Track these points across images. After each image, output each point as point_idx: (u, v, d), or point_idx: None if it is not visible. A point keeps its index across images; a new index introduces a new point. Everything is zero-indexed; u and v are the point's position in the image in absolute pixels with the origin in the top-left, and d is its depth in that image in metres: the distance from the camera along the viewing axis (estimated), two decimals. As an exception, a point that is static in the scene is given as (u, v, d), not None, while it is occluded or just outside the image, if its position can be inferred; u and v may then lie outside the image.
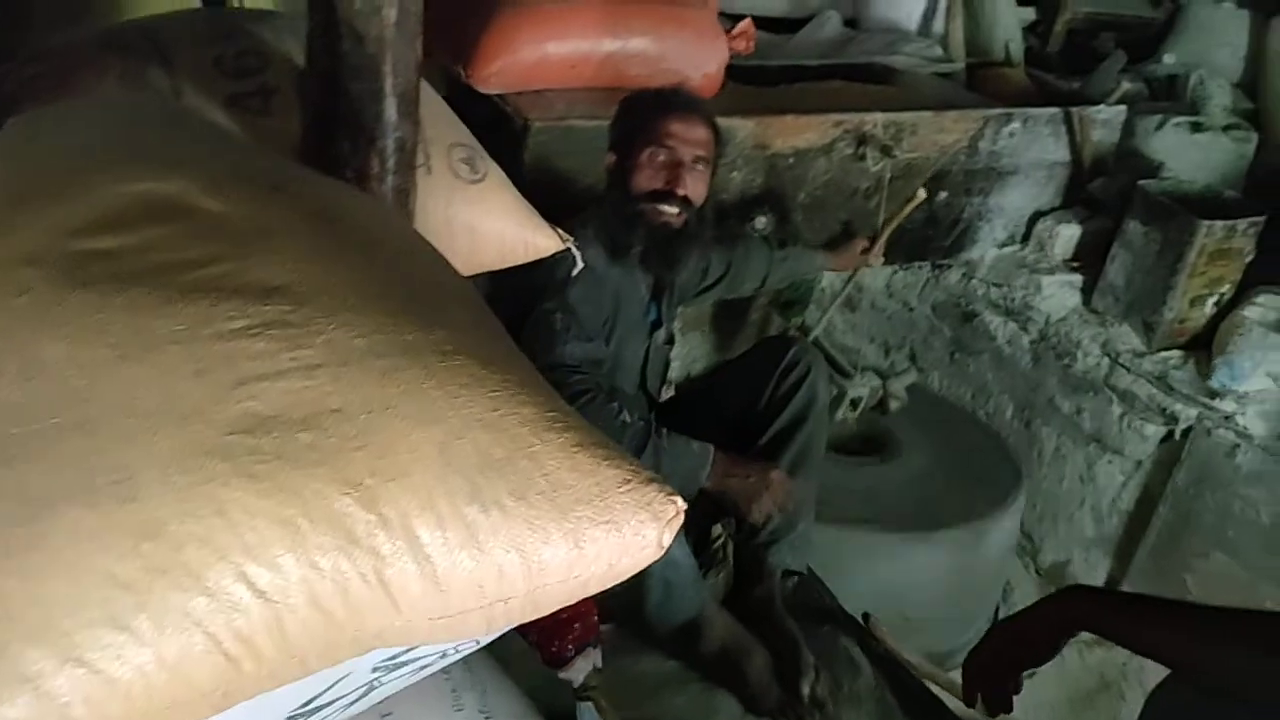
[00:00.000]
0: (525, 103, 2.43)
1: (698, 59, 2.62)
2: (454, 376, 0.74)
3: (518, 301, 1.89)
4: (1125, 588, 2.90)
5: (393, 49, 1.31)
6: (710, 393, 2.30)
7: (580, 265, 1.69)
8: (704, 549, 2.19)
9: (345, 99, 1.31)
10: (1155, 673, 2.84)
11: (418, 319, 0.77)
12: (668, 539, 0.74)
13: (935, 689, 2.15)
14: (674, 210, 2.03)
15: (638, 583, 1.92)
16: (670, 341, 2.29)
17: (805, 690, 1.94)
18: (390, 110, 1.33)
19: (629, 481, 0.74)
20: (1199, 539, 2.74)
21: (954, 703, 2.32)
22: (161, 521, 0.65)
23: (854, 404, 2.96)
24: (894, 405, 3.02)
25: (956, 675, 2.69)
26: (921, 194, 2.74)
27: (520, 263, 1.60)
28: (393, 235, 0.91)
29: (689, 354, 3.18)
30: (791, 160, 2.71)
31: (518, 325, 1.88)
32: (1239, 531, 2.66)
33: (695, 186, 2.04)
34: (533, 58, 2.42)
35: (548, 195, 2.34)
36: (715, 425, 2.13)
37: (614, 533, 0.72)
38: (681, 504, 0.75)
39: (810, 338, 2.84)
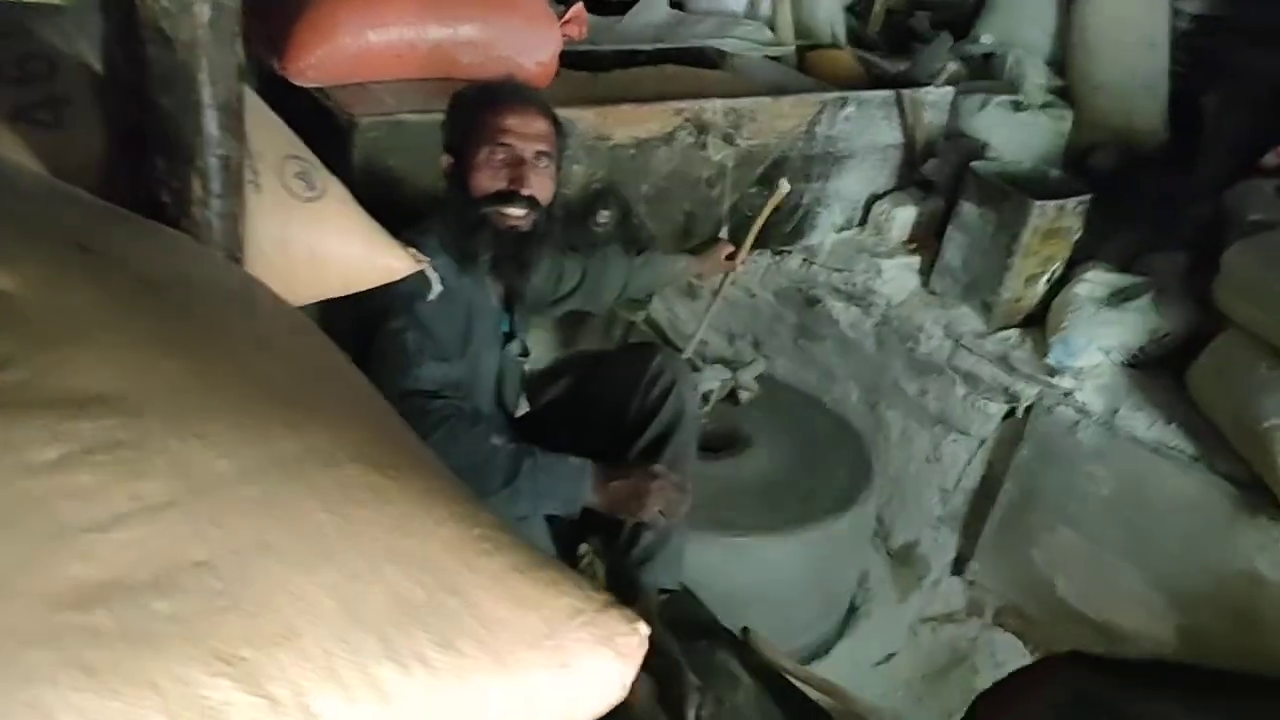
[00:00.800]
0: (349, 97, 2.22)
1: (531, 46, 2.47)
2: (347, 494, 0.58)
3: (360, 327, 1.71)
4: (974, 565, 2.93)
5: (208, 53, 1.11)
6: (572, 408, 2.16)
7: (438, 288, 1.52)
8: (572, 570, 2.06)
9: (155, 113, 1.11)
10: (1005, 646, 2.88)
11: (291, 417, 0.61)
12: (631, 676, 0.61)
13: (817, 696, 2.10)
14: (520, 211, 1.87)
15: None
16: (525, 354, 2.14)
17: (690, 715, 1.85)
18: (210, 124, 1.14)
19: (582, 612, 0.60)
20: (1044, 514, 2.78)
21: (836, 708, 2.28)
22: (-35, 747, 0.47)
23: (705, 398, 2.88)
24: (744, 397, 2.96)
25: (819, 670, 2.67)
26: (785, 185, 2.66)
27: (368, 287, 1.43)
28: (242, 300, 0.74)
29: (533, 355, 3.03)
30: (633, 151, 2.59)
31: (360, 356, 1.69)
32: (1081, 505, 2.71)
33: (541, 184, 1.90)
34: (354, 47, 2.22)
35: (381, 199, 2.16)
36: (580, 442, 2.00)
37: (568, 678, 0.58)
38: (645, 630, 0.62)
39: (687, 352, 2.72)
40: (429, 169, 2.12)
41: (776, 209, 2.73)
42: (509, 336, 2.04)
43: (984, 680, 2.76)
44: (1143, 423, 2.64)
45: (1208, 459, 2.52)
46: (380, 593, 0.56)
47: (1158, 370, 2.78)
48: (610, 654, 0.60)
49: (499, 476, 1.68)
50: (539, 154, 1.88)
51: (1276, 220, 2.77)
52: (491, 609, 0.58)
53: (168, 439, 0.56)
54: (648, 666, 1.83)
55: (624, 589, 1.99)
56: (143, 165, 1.12)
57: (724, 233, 2.72)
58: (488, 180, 1.86)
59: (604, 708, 0.61)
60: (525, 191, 1.86)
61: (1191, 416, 2.62)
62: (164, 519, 0.53)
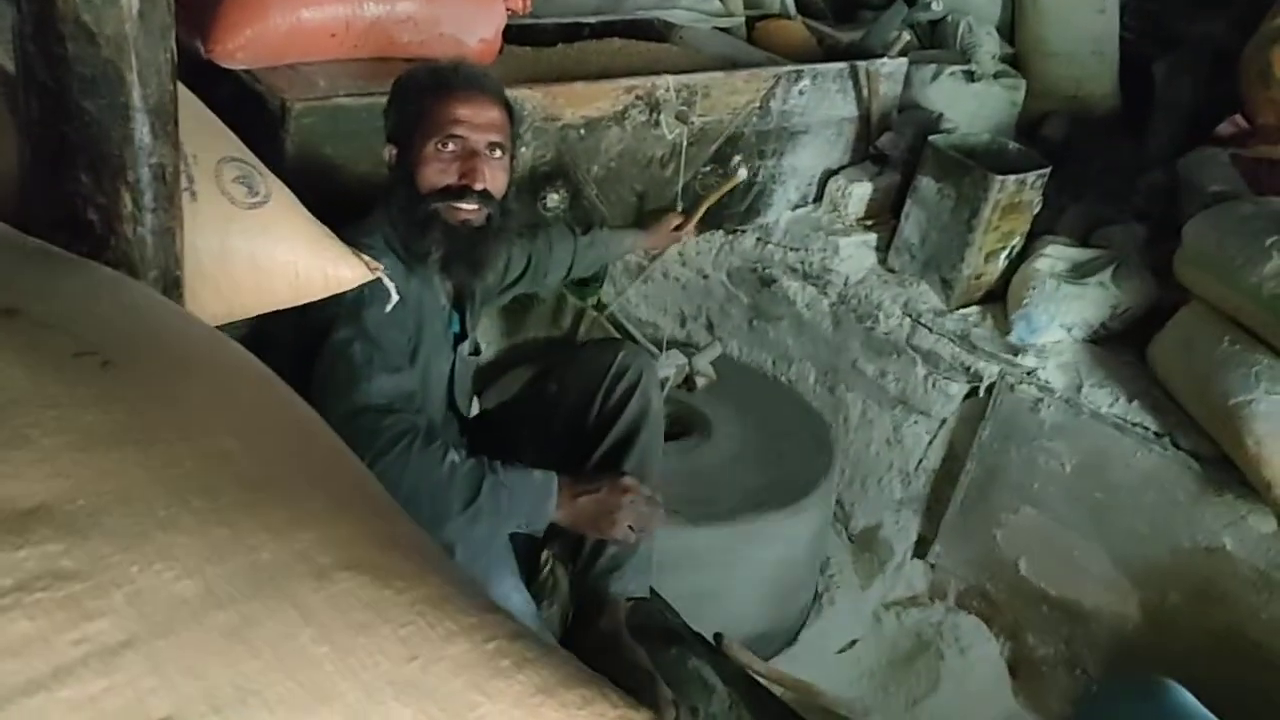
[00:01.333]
0: (280, 80, 2.07)
1: (474, 22, 2.33)
2: (343, 614, 0.48)
3: (304, 339, 1.58)
4: (936, 548, 2.90)
5: (138, 49, 0.99)
6: (530, 408, 2.05)
7: (395, 299, 1.40)
8: (533, 578, 1.96)
9: (78, 119, 0.98)
10: (971, 631, 2.84)
11: (268, 516, 0.51)
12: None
13: (790, 697, 2.04)
14: (473, 207, 1.75)
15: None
16: (476, 352, 2.03)
17: (665, 727, 1.77)
18: (142, 130, 1.01)
19: (620, 737, 0.51)
20: (1006, 494, 2.75)
21: (809, 706, 2.23)
22: None
23: (660, 385, 2.79)
24: (701, 383, 2.87)
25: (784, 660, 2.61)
26: (742, 174, 2.58)
27: (318, 298, 1.31)
28: (200, 360, 0.62)
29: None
30: (583, 131, 2.48)
31: (304, 371, 1.56)
32: (1045, 484, 2.68)
33: (495, 177, 1.77)
34: (286, 26, 2.07)
35: (318, 189, 2.02)
36: (539, 444, 1.90)
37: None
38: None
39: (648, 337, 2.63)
40: (368, 156, 1.99)
41: (730, 192, 2.64)
42: (460, 336, 1.93)
43: (949, 666, 2.73)
44: (1105, 399, 2.61)
45: (1171, 435, 2.50)
46: (389, 739, 0.46)
47: (1119, 345, 2.76)
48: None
49: (459, 498, 1.57)
50: (492, 145, 1.76)
51: (1236, 191, 2.74)
52: (521, 748, 0.48)
53: (122, 561, 0.45)
54: (618, 681, 1.77)
55: (590, 598, 1.90)
56: (63, 179, 0.99)
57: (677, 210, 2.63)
58: (436, 175, 1.73)
59: None
60: (478, 186, 1.74)
61: (1154, 392, 2.60)
62: (120, 666, 0.43)
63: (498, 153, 1.77)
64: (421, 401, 1.71)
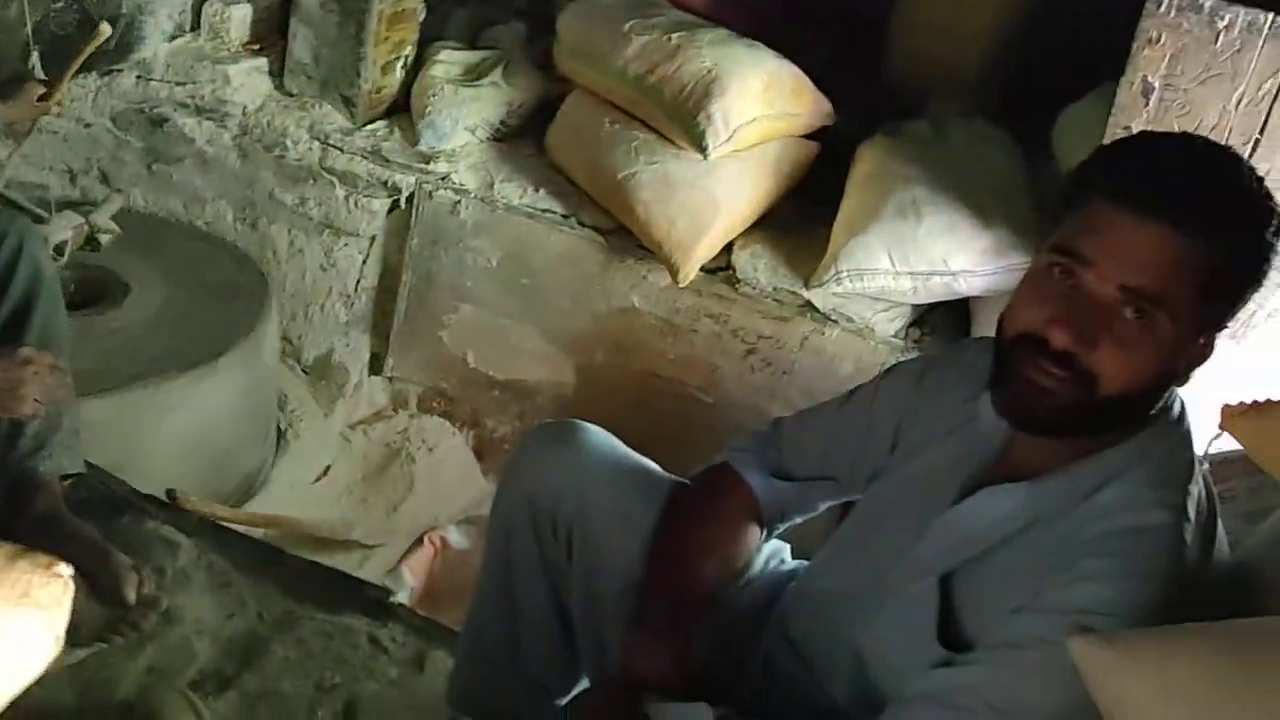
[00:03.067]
0: None
1: None
2: None
3: None
4: (389, 361, 2.97)
5: None
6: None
7: None
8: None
9: None
10: (436, 431, 2.98)
11: None
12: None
13: (270, 536, 2.04)
14: None
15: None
16: None
17: (131, 595, 1.71)
18: None
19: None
20: (444, 296, 2.86)
21: (281, 536, 2.25)
22: None
23: (59, 250, 2.52)
24: (106, 240, 2.64)
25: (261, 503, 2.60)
26: (106, 28, 2.30)
27: None
28: None
29: None
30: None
31: None
32: (476, 280, 2.81)
33: None
34: None
35: None
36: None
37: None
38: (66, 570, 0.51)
39: None
40: None
41: (98, 48, 2.37)
42: None
43: (421, 467, 2.86)
44: (515, 193, 2.77)
45: (576, 215, 2.73)
46: None
47: (520, 141, 2.93)
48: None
49: None
50: None
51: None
52: None
53: None
54: (71, 561, 1.66)
55: (20, 484, 1.75)
56: None
57: (35, 60, 2.32)
58: None
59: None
60: None
61: (557, 179, 2.80)
62: None
63: None
64: None
